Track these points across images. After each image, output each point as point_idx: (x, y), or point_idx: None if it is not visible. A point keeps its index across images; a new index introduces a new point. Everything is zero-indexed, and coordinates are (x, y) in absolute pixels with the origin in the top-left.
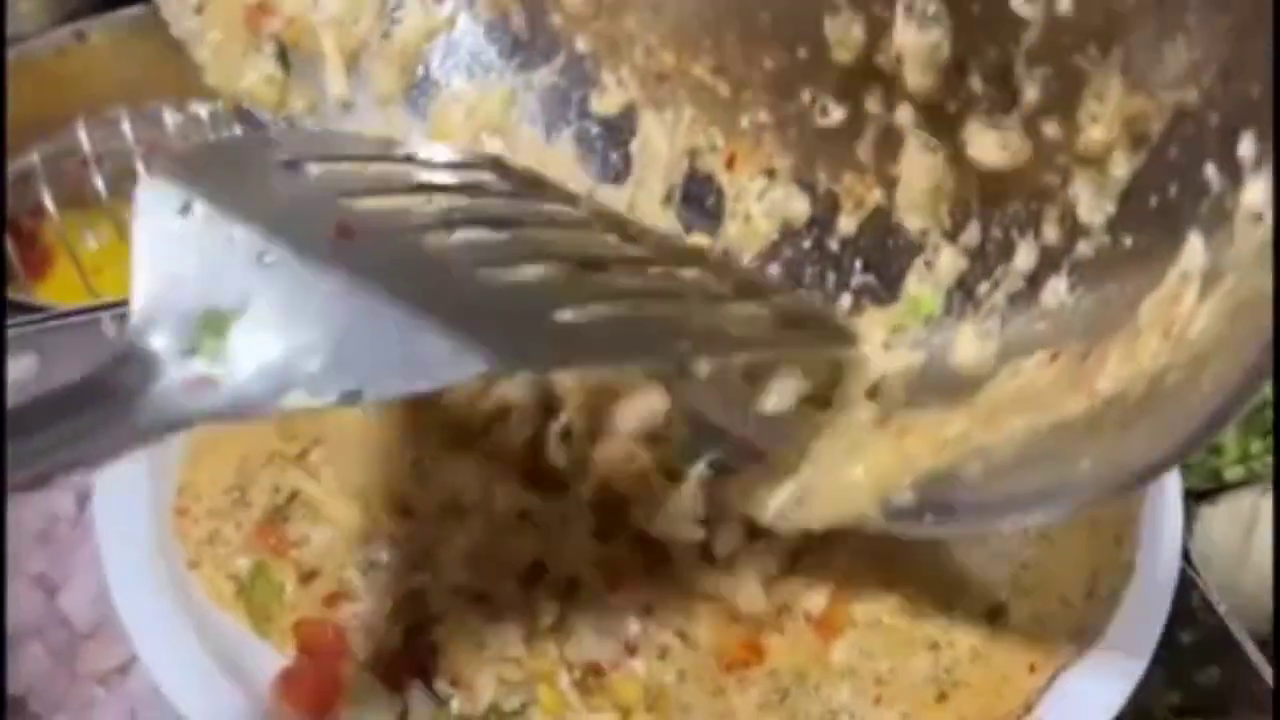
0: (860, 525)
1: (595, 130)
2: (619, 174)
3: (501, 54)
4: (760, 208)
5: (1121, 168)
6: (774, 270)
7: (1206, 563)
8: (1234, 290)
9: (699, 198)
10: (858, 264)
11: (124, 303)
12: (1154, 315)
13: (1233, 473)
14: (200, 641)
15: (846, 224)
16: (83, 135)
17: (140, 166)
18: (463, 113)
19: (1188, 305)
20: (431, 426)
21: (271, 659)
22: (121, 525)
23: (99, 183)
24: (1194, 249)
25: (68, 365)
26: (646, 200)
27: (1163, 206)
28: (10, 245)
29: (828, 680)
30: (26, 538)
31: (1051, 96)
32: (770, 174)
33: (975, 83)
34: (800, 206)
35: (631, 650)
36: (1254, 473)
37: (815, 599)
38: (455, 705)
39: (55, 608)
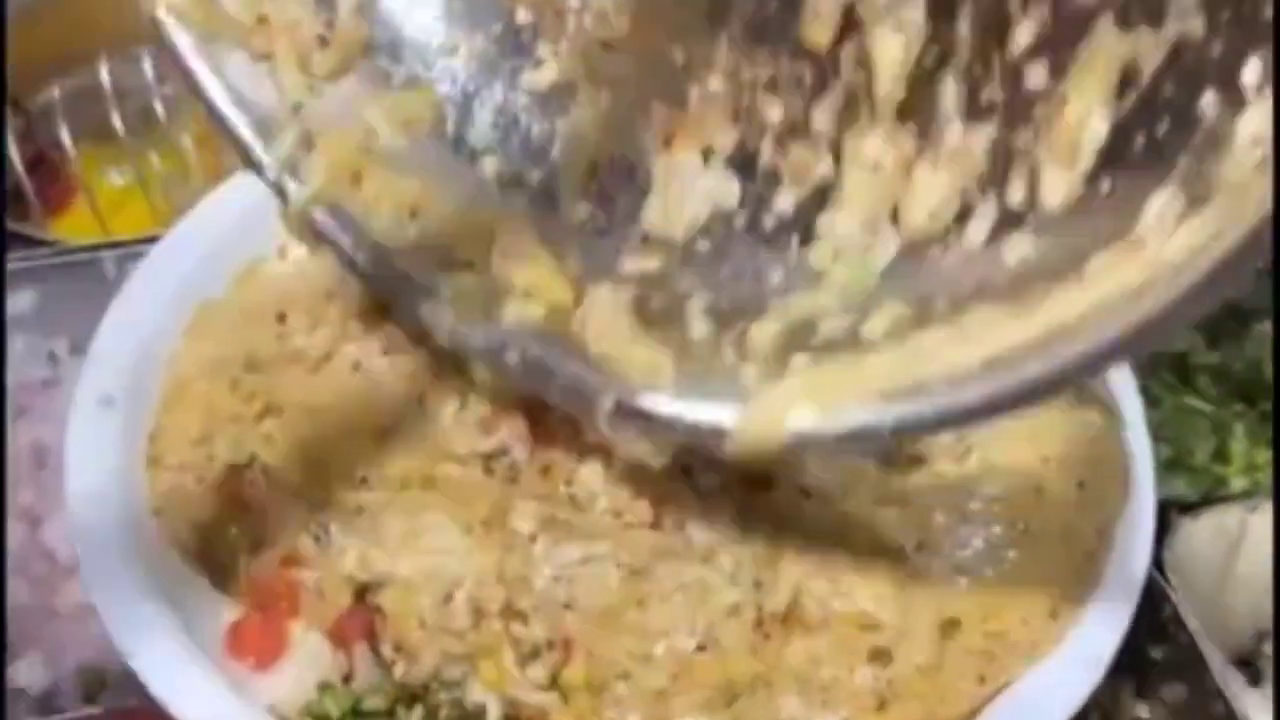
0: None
1: (522, 102)
2: (542, 152)
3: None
4: (690, 189)
5: (1102, 122)
6: (703, 247)
7: (1185, 577)
8: (1222, 207)
9: (627, 171)
10: (794, 240)
11: (127, 243)
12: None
13: (1237, 483)
14: (155, 589)
15: (784, 202)
16: (104, 72)
17: (159, 106)
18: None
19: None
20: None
21: (224, 611)
22: (91, 467)
23: (118, 120)
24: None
25: (68, 302)
26: (569, 176)
27: (1150, 145)
28: (30, 180)
29: (779, 684)
30: (19, 468)
31: (1043, 41)
32: (707, 154)
33: (963, 27)
34: (731, 190)
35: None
36: (1257, 484)
37: (776, 597)
38: (398, 671)
39: (38, 540)
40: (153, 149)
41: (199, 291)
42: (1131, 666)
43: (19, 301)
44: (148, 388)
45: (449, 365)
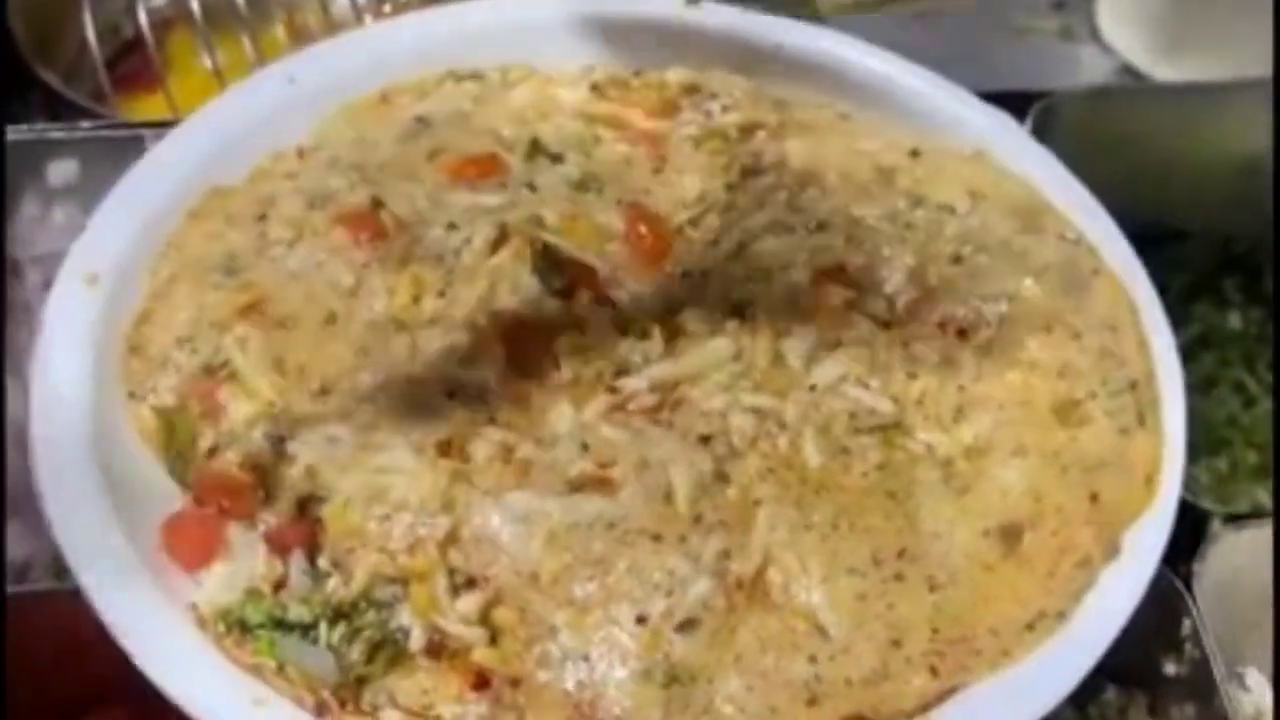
0: None
1: None
2: None
3: None
4: None
5: None
6: None
7: (1222, 593)
8: None
9: None
10: None
11: (170, 123)
12: None
13: None
14: (102, 474)
15: None
16: None
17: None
18: None
19: None
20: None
21: (170, 504)
22: (67, 343)
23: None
24: None
25: (109, 176)
26: None
27: None
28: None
29: (722, 665)
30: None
31: None
32: None
33: None
34: None
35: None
36: None
37: (746, 563)
38: (331, 584)
39: None
40: (241, 37)
41: (213, 176)
42: (1144, 682)
43: (61, 171)
44: (138, 269)
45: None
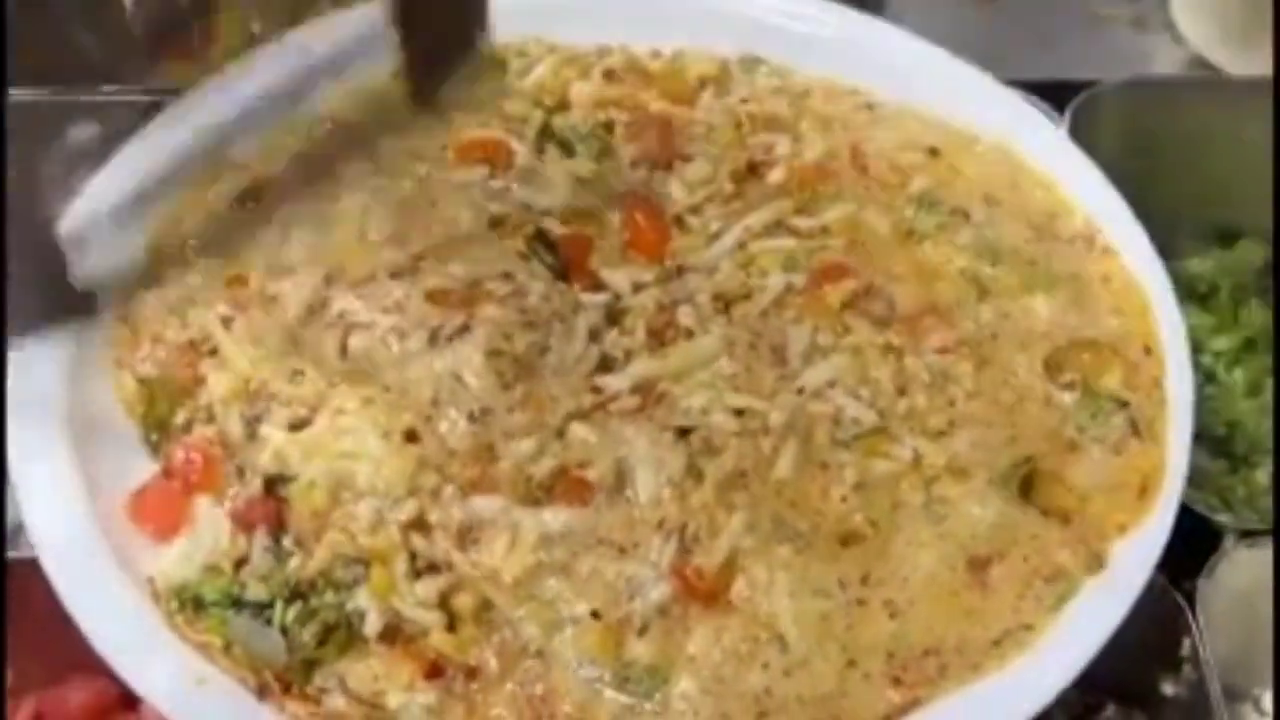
0: None
1: None
2: None
3: None
4: None
5: None
6: None
7: (1233, 609)
8: None
9: None
10: None
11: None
12: None
13: None
14: (73, 443)
15: None
16: None
17: None
18: None
19: None
20: None
21: (142, 475)
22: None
23: None
24: None
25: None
26: None
27: None
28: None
29: (676, 665)
30: None
31: None
32: None
33: None
34: None
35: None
36: None
37: (711, 557)
38: (292, 564)
39: None
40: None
41: (220, 147)
42: (1144, 701)
43: (82, 133)
44: (131, 239)
45: None
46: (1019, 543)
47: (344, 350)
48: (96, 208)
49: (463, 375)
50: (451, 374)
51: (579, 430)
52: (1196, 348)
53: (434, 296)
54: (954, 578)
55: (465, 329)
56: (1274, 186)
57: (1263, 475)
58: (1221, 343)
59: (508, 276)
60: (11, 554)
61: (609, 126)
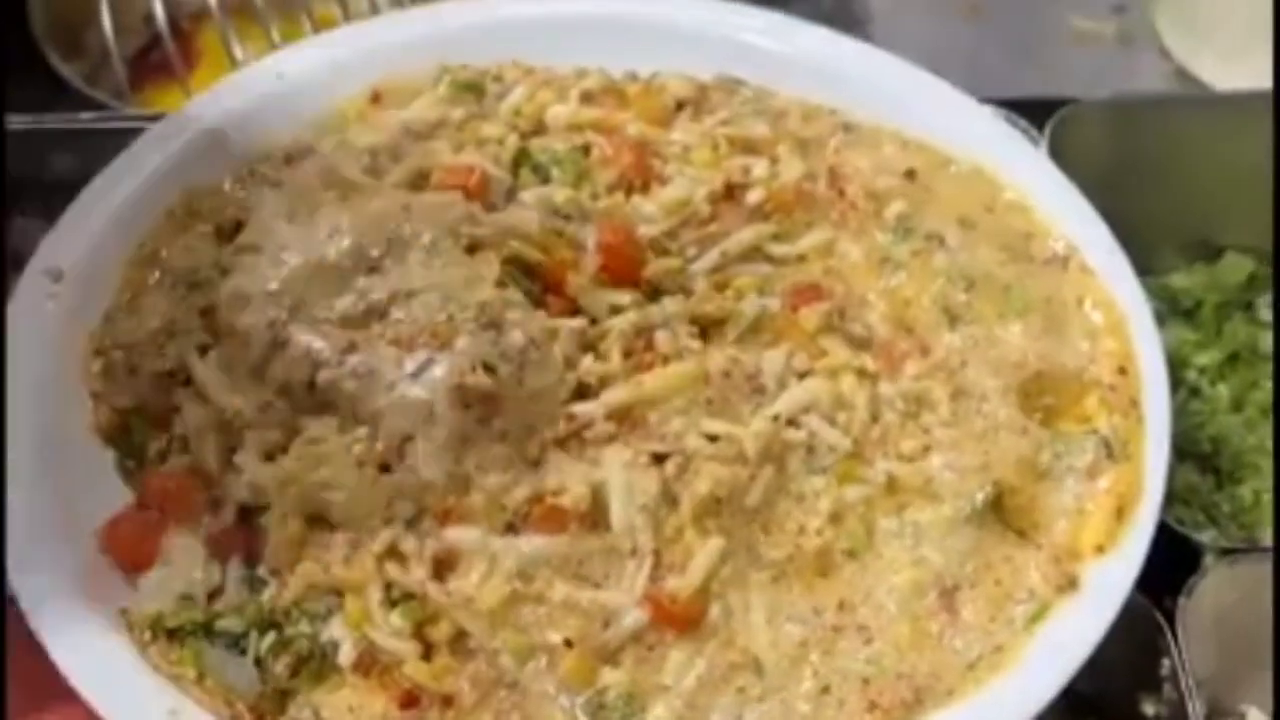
0: None
1: None
2: None
3: None
4: None
5: None
6: None
7: (1215, 626)
8: None
9: None
10: None
11: (158, 116)
12: None
13: None
14: (48, 475)
15: None
16: None
17: None
18: None
19: None
20: None
21: (115, 502)
22: (31, 341)
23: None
24: None
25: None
26: None
27: None
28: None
29: (650, 693)
30: None
31: None
32: None
33: None
34: None
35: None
36: None
37: (686, 582)
38: (267, 594)
39: None
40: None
41: (194, 175)
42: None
43: (62, 162)
44: (108, 268)
45: None
46: (991, 566)
47: (311, 385)
48: (74, 236)
49: (435, 408)
50: (423, 405)
51: (554, 457)
52: (1181, 363)
53: (401, 337)
54: (927, 603)
55: (433, 361)
56: (1274, 198)
57: (1248, 491)
58: (1205, 358)
59: (482, 308)
60: None
61: (585, 150)
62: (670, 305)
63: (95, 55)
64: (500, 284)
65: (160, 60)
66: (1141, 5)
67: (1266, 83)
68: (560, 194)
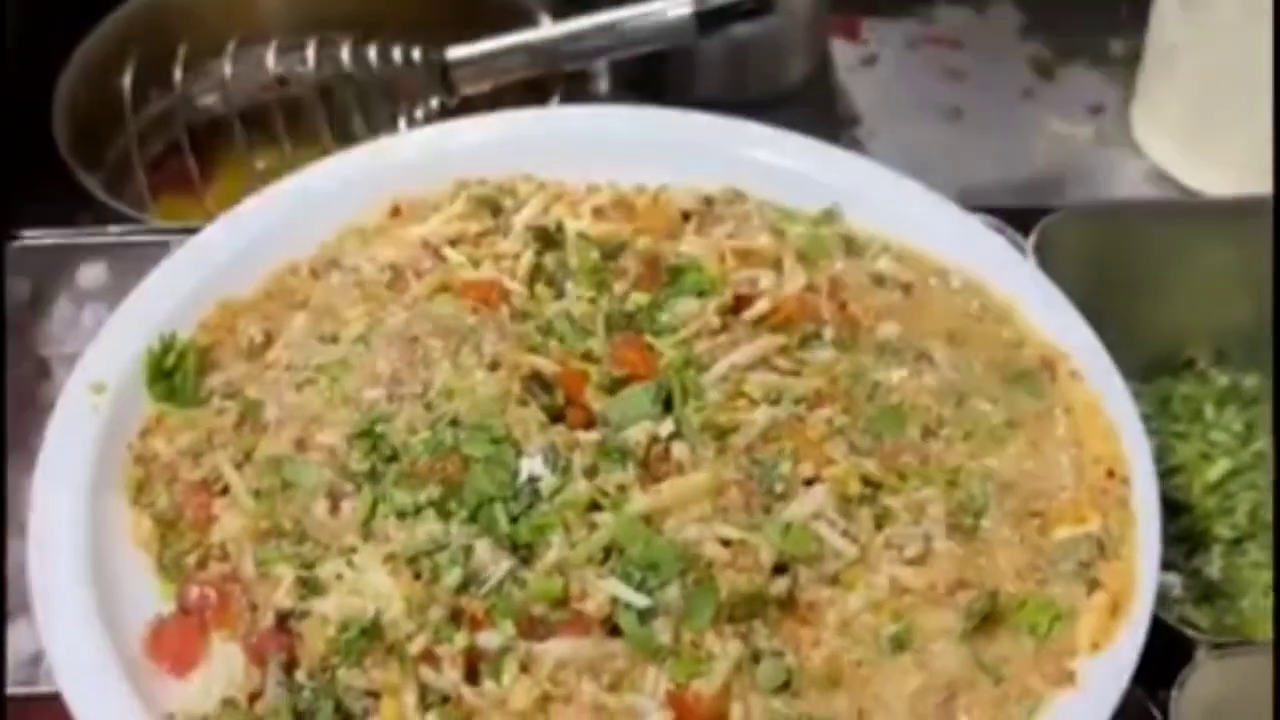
0: None
1: None
2: None
3: None
4: None
5: None
6: None
7: (1205, 717)
8: None
9: None
10: None
11: (195, 229)
12: None
13: None
14: (93, 582)
15: None
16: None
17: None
18: None
19: None
20: None
21: (158, 611)
22: (68, 450)
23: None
24: None
25: (136, 280)
26: None
27: None
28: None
29: None
30: None
31: None
32: None
33: None
34: None
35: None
36: None
37: (706, 683)
38: (307, 696)
39: None
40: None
41: (225, 288)
42: None
43: (91, 273)
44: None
45: None
46: (988, 668)
47: (335, 510)
48: (115, 349)
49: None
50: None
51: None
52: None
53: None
54: (933, 711)
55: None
56: (1274, 218)
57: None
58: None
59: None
60: (33, 689)
61: (599, 263)
62: (686, 415)
63: (114, 165)
64: (521, 402)
65: (178, 169)
66: (1117, 107)
67: (1242, 184)
68: (577, 306)
